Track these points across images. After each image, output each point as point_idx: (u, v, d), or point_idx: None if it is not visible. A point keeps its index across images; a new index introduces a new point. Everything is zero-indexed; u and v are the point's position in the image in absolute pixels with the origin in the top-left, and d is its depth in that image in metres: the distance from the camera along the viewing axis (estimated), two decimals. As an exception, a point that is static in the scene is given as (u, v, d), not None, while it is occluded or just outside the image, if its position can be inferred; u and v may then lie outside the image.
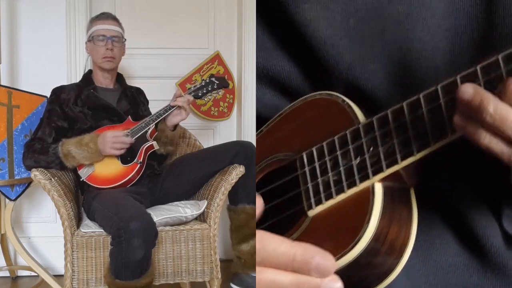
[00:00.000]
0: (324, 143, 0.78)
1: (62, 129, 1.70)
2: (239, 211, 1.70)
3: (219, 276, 1.63)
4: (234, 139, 2.31)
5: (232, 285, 1.74)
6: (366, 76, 0.81)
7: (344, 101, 0.79)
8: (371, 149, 0.74)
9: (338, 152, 0.77)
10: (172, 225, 1.61)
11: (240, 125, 2.30)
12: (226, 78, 1.86)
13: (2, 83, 1.89)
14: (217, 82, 1.76)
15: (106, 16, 1.77)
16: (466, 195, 0.81)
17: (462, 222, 0.82)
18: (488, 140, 0.61)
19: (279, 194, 0.82)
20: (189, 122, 1.98)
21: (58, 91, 1.74)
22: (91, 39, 1.74)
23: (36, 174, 1.55)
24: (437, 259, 0.83)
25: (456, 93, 0.62)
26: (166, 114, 1.69)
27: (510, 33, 0.76)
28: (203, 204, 1.67)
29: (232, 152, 1.70)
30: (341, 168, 0.76)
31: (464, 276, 0.83)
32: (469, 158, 0.80)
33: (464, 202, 0.81)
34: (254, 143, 0.89)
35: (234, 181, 1.64)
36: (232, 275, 1.76)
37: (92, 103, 1.73)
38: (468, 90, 0.61)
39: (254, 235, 1.68)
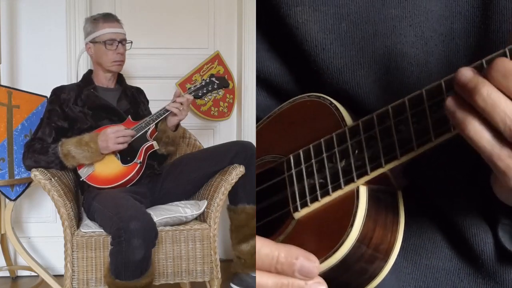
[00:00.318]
0: (311, 146, 0.78)
1: (62, 129, 1.70)
2: (239, 211, 1.70)
3: (219, 276, 1.63)
4: (234, 139, 2.31)
5: (232, 285, 1.74)
6: (356, 81, 0.80)
7: (332, 103, 0.79)
8: (357, 152, 0.74)
9: (324, 155, 0.76)
10: (172, 225, 1.61)
11: (240, 125, 2.30)
12: (226, 78, 1.86)
13: (2, 83, 1.89)
14: (217, 82, 1.76)
15: (113, 18, 1.76)
16: (458, 199, 0.81)
17: (454, 227, 0.81)
18: (474, 131, 0.61)
19: (266, 196, 0.81)
20: (189, 122, 1.98)
21: (58, 91, 1.74)
22: (98, 42, 1.73)
23: (36, 174, 1.55)
24: (428, 262, 0.82)
25: (454, 76, 0.62)
26: (166, 114, 1.69)
27: (506, 40, 0.75)
28: (203, 204, 1.67)
29: (232, 152, 1.70)
30: (327, 171, 0.75)
31: (454, 281, 0.82)
32: (462, 162, 0.80)
33: (457, 207, 0.81)
34: (254, 143, 0.89)
35: (234, 181, 1.64)
36: (232, 275, 1.76)
37: (92, 103, 1.73)
38: (466, 72, 0.61)
39: (254, 235, 1.68)
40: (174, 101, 1.69)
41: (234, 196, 1.70)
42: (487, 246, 0.80)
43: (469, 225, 0.80)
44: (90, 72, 1.84)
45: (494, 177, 0.66)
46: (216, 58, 2.29)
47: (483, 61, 0.63)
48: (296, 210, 0.77)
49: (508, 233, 0.80)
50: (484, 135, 0.60)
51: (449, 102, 0.62)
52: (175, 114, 1.68)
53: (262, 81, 0.87)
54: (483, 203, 0.80)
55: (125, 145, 1.63)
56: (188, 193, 1.78)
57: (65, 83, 1.86)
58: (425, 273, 0.82)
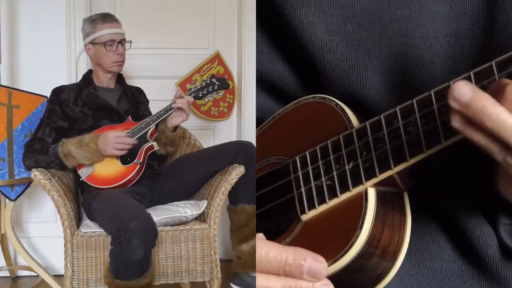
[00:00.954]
0: (317, 147, 0.78)
1: (62, 129, 1.70)
2: (239, 211, 1.70)
3: (219, 276, 1.63)
4: (234, 139, 2.31)
5: (232, 285, 1.74)
6: (362, 83, 0.80)
7: (337, 105, 0.79)
8: (364, 154, 0.74)
9: (331, 157, 0.76)
10: (172, 225, 1.61)
11: (240, 125, 2.30)
12: (226, 78, 1.86)
13: (2, 83, 1.89)
14: (218, 83, 1.76)
15: (111, 19, 1.76)
16: (462, 201, 0.81)
17: (458, 229, 0.81)
18: (484, 144, 0.61)
19: (271, 198, 0.81)
20: (189, 122, 1.97)
21: (58, 91, 1.74)
22: (98, 43, 1.72)
23: (36, 174, 1.55)
24: (431, 264, 0.82)
25: (449, 94, 0.61)
26: (167, 114, 1.69)
27: (511, 41, 0.75)
28: (203, 204, 1.67)
29: (232, 152, 1.70)
30: (334, 173, 0.76)
31: (458, 283, 0.82)
32: (466, 163, 0.79)
33: (460, 208, 0.81)
34: (254, 143, 0.88)
35: (234, 181, 1.64)
36: (232, 275, 1.76)
37: (92, 102, 1.73)
38: (466, 90, 0.60)
39: (254, 235, 1.68)
40: (174, 102, 1.68)
41: (234, 196, 1.70)
42: (491, 248, 0.80)
43: (473, 227, 0.80)
44: (90, 72, 1.84)
45: (502, 176, 0.66)
46: (216, 58, 2.29)
47: (493, 63, 0.62)
48: (303, 212, 0.77)
49: (509, 233, 0.80)
50: (494, 148, 0.61)
51: (455, 123, 0.62)
52: (178, 114, 1.68)
53: (265, 83, 0.87)
54: (486, 205, 0.80)
55: (123, 152, 1.63)
56: (188, 193, 1.78)
57: (65, 83, 1.86)
58: (428, 274, 0.82)
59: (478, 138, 0.61)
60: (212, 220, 1.64)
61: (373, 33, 0.79)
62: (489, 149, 0.61)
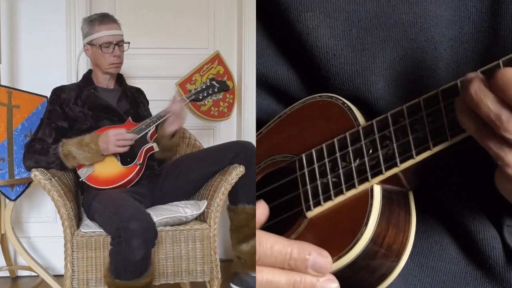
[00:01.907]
0: (324, 145, 0.78)
1: (62, 129, 1.70)
2: (239, 211, 1.70)
3: (219, 276, 1.63)
4: (234, 139, 2.31)
5: (232, 285, 1.74)
6: (366, 87, 0.81)
7: (344, 103, 0.79)
8: (371, 151, 0.74)
9: (338, 154, 0.76)
10: (172, 225, 1.61)
11: (240, 125, 2.31)
12: (226, 80, 1.86)
13: (2, 83, 1.89)
14: (218, 85, 1.76)
15: (109, 19, 1.75)
16: (467, 202, 0.81)
17: (462, 230, 0.81)
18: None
19: (277, 195, 0.81)
20: (189, 122, 1.98)
21: (58, 91, 1.74)
22: (95, 44, 1.72)
23: (36, 174, 1.55)
24: (435, 265, 0.82)
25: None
26: (167, 116, 1.69)
27: None
28: (203, 204, 1.67)
29: (232, 152, 1.70)
30: (340, 170, 0.76)
31: (461, 284, 0.82)
32: (471, 164, 0.80)
33: (465, 210, 0.81)
34: (254, 143, 0.89)
35: (234, 181, 1.65)
36: (232, 275, 1.76)
37: (92, 103, 1.73)
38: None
39: (254, 235, 1.68)
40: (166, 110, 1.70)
41: (234, 196, 1.70)
42: (495, 250, 0.80)
43: (477, 228, 0.80)
44: (90, 72, 1.84)
45: (498, 173, 0.66)
46: (216, 58, 2.29)
47: (500, 61, 0.63)
48: (308, 209, 0.77)
49: None
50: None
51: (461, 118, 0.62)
52: (174, 120, 1.69)
53: (270, 86, 0.87)
54: (491, 207, 0.80)
55: (125, 149, 1.63)
56: (188, 193, 1.78)
57: (65, 83, 1.86)
58: (431, 275, 0.82)
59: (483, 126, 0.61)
60: (212, 220, 1.64)
61: (378, 38, 0.80)
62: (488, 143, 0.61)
